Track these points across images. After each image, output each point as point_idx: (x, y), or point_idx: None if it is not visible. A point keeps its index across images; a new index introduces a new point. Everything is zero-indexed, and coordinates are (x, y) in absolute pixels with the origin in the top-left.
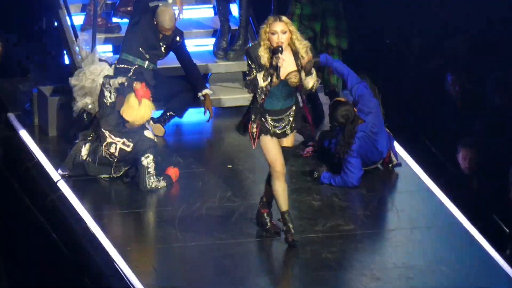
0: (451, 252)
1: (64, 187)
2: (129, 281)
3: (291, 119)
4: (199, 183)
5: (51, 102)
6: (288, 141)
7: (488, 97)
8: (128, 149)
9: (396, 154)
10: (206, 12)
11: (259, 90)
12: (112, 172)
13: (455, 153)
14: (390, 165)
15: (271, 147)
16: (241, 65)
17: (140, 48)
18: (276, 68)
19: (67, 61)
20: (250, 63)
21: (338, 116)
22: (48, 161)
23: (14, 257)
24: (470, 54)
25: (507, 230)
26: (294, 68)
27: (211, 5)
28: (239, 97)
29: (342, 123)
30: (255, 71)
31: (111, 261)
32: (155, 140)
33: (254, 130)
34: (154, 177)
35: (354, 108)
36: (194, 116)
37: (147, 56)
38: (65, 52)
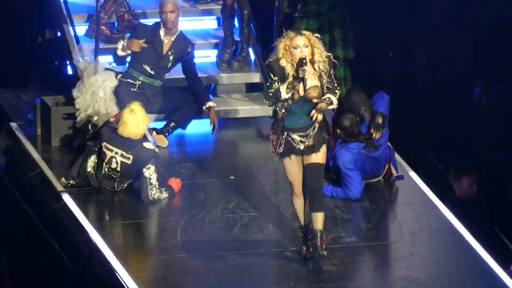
0: (453, 265)
1: (66, 198)
2: None
3: (315, 135)
4: (201, 194)
5: (54, 112)
6: (318, 158)
7: (491, 111)
8: (129, 162)
9: (396, 167)
10: (210, 23)
11: (280, 103)
12: (115, 187)
13: (454, 177)
14: (391, 178)
15: (293, 169)
16: (244, 76)
17: (144, 65)
18: (303, 80)
19: (70, 71)
20: (272, 75)
21: (344, 121)
22: (50, 171)
23: (16, 267)
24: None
25: (511, 246)
26: (314, 83)
27: (215, 17)
28: (242, 109)
29: (347, 127)
30: (277, 83)
31: (112, 271)
32: (156, 150)
33: (275, 141)
34: (156, 188)
35: (357, 118)
36: (197, 127)
37: (152, 73)
38: (68, 62)
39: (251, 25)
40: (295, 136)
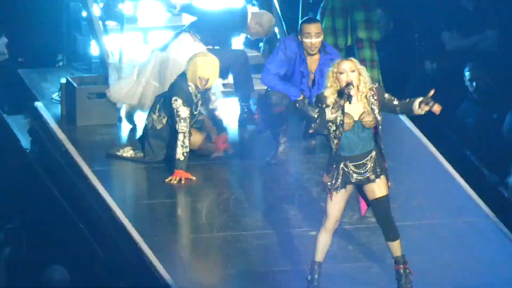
0: (480, 246)
1: (92, 177)
2: (156, 270)
3: (372, 164)
4: (226, 174)
5: (79, 92)
6: (381, 190)
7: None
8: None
9: None
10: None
11: (330, 131)
12: (156, 112)
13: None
14: None
15: (338, 202)
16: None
17: (209, 37)
18: (349, 97)
19: (95, 51)
20: (320, 105)
21: None
22: (76, 150)
23: (41, 246)
24: (499, 49)
25: None
26: (366, 108)
27: None
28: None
29: None
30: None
31: (138, 251)
32: (191, 90)
33: (329, 181)
34: (187, 122)
35: None
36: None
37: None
38: (93, 42)
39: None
40: (351, 166)
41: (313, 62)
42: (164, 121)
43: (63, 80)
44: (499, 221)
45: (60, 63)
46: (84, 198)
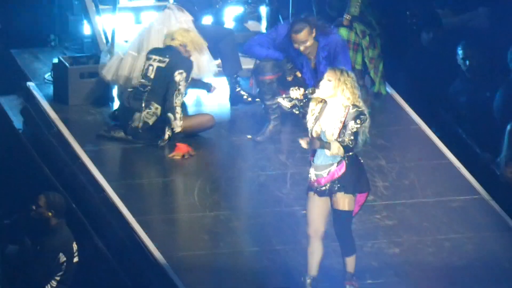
0: (468, 223)
1: (84, 156)
2: (148, 250)
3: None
4: (218, 154)
5: (71, 72)
6: (343, 204)
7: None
8: (163, 65)
9: None
10: None
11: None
12: (143, 110)
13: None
14: None
15: (312, 207)
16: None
17: (195, 7)
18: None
19: (87, 31)
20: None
21: None
22: (67, 130)
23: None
24: (490, 27)
25: None
26: (337, 124)
27: None
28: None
29: None
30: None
31: (130, 230)
32: (193, 63)
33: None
34: (182, 96)
35: None
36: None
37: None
38: (85, 21)
39: None
40: (312, 173)
41: (311, 48)
42: (159, 111)
43: (55, 60)
44: (491, 199)
45: (52, 43)
46: (76, 177)
